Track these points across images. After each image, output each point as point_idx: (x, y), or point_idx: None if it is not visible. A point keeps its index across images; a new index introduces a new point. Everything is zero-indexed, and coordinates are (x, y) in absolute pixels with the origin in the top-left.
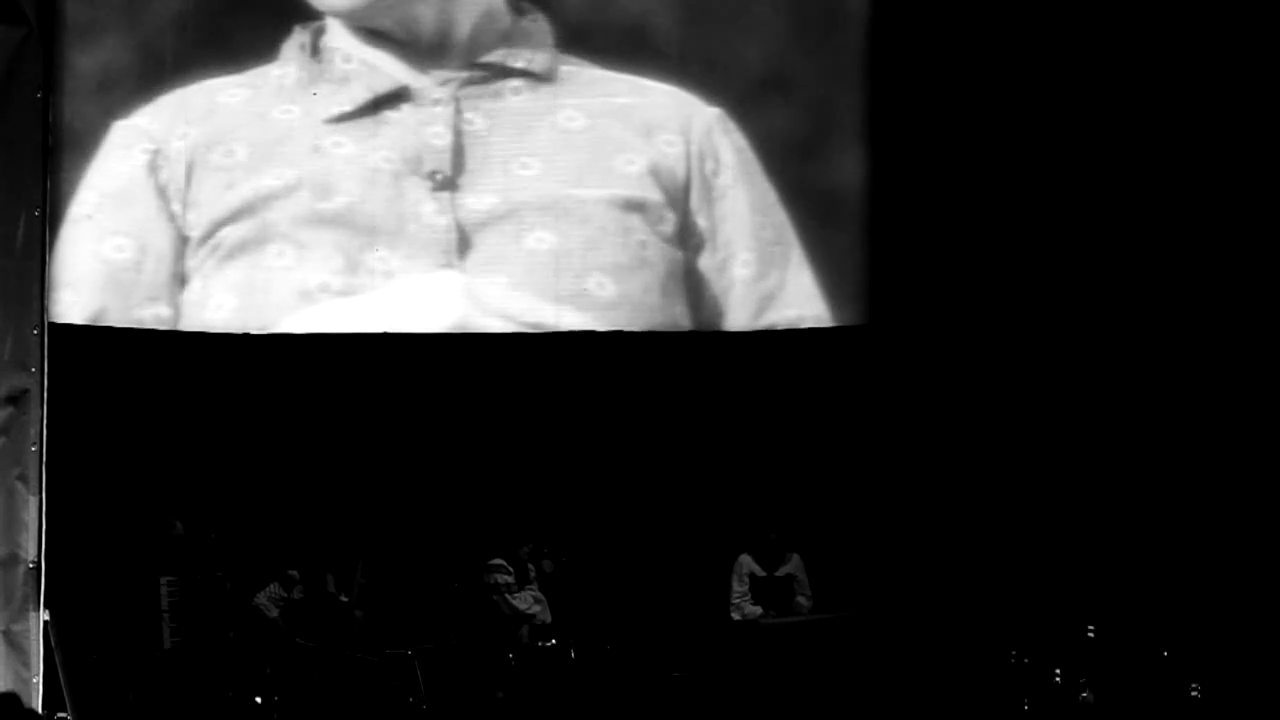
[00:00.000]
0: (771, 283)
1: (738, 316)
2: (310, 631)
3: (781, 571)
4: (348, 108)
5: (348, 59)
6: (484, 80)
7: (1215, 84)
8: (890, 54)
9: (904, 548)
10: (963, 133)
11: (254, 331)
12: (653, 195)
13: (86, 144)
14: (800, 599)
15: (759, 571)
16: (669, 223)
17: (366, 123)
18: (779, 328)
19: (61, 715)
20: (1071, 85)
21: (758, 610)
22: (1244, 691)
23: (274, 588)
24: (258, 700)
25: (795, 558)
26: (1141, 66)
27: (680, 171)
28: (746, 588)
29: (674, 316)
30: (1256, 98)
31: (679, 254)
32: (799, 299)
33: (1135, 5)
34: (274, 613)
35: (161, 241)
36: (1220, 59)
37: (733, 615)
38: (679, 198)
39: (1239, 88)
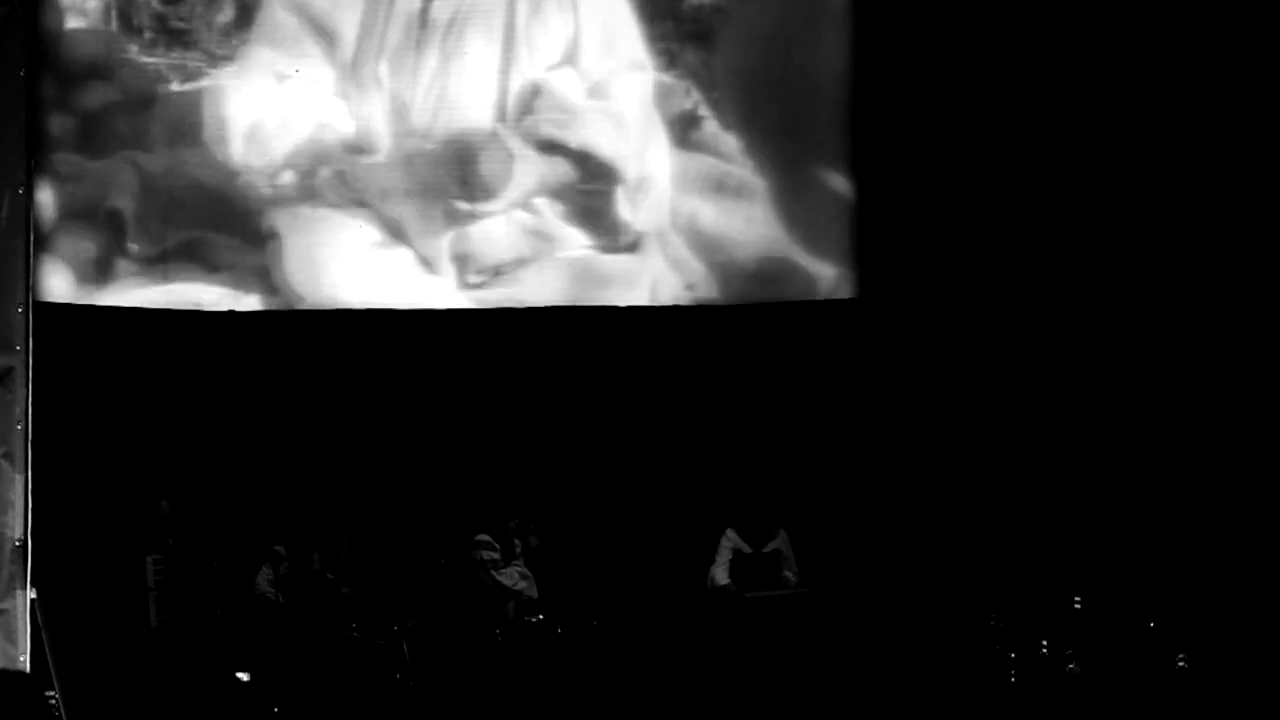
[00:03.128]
0: None
1: None
2: (300, 608)
3: (768, 548)
4: None
5: None
6: None
7: (1200, 59)
8: (876, 27)
9: (891, 522)
10: (949, 105)
11: (237, 309)
12: None
13: None
14: (786, 574)
15: (745, 548)
16: None
17: None
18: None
19: (49, 694)
20: (1060, 59)
21: (726, 579)
22: (1230, 662)
23: (267, 570)
24: (243, 677)
25: (781, 533)
26: (1129, 38)
27: None
28: (726, 560)
29: None
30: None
31: None
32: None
33: None
34: (283, 599)
35: None
36: (1210, 35)
37: (706, 582)
38: None
39: (1228, 62)
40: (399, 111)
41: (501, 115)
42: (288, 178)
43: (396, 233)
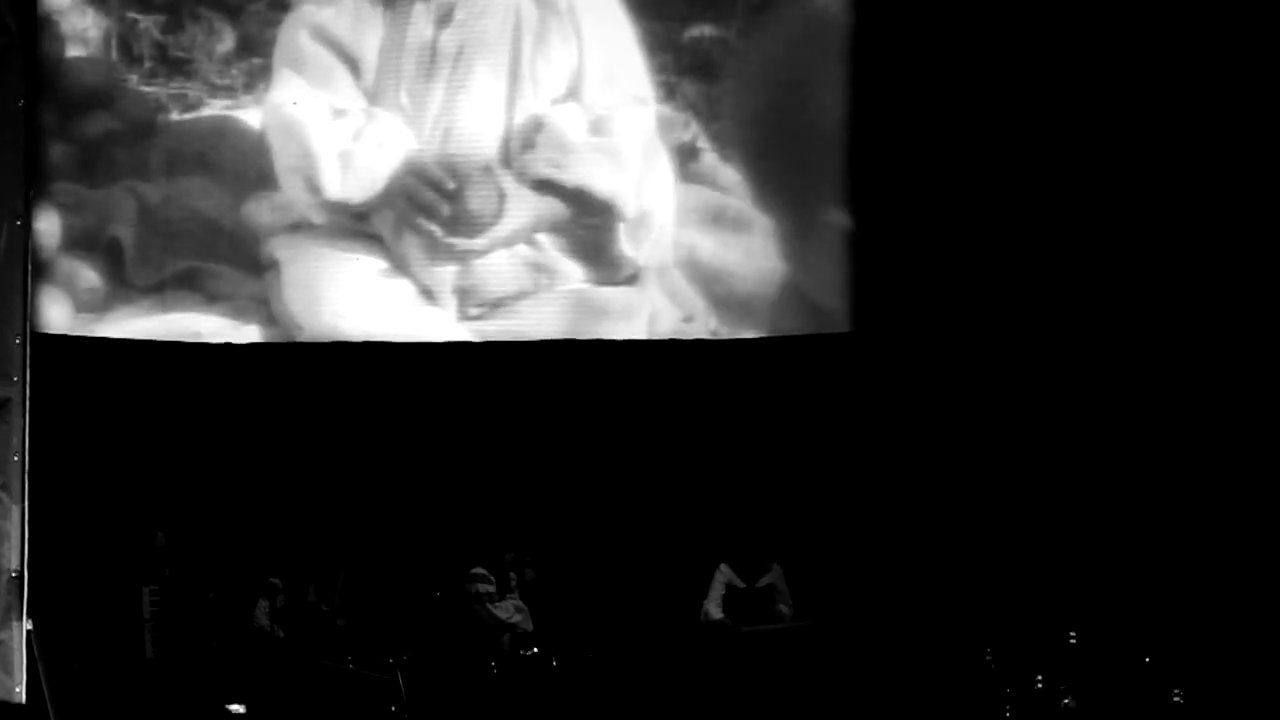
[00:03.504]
0: None
1: None
2: (296, 640)
3: (762, 583)
4: None
5: None
6: None
7: (1193, 89)
8: (877, 65)
9: (886, 555)
10: (948, 142)
11: (236, 340)
12: None
13: None
14: (781, 608)
15: (738, 583)
16: None
17: None
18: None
19: None
20: (1058, 99)
21: (720, 614)
22: (1226, 697)
23: (264, 602)
24: (236, 709)
25: (775, 568)
26: (1122, 75)
27: None
28: (719, 595)
29: None
30: (1245, 100)
31: None
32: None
33: (1115, 11)
34: (281, 632)
35: None
36: (1199, 61)
37: (700, 616)
38: None
39: (1216, 91)
40: (408, 142)
41: (505, 149)
42: (302, 207)
43: (397, 264)
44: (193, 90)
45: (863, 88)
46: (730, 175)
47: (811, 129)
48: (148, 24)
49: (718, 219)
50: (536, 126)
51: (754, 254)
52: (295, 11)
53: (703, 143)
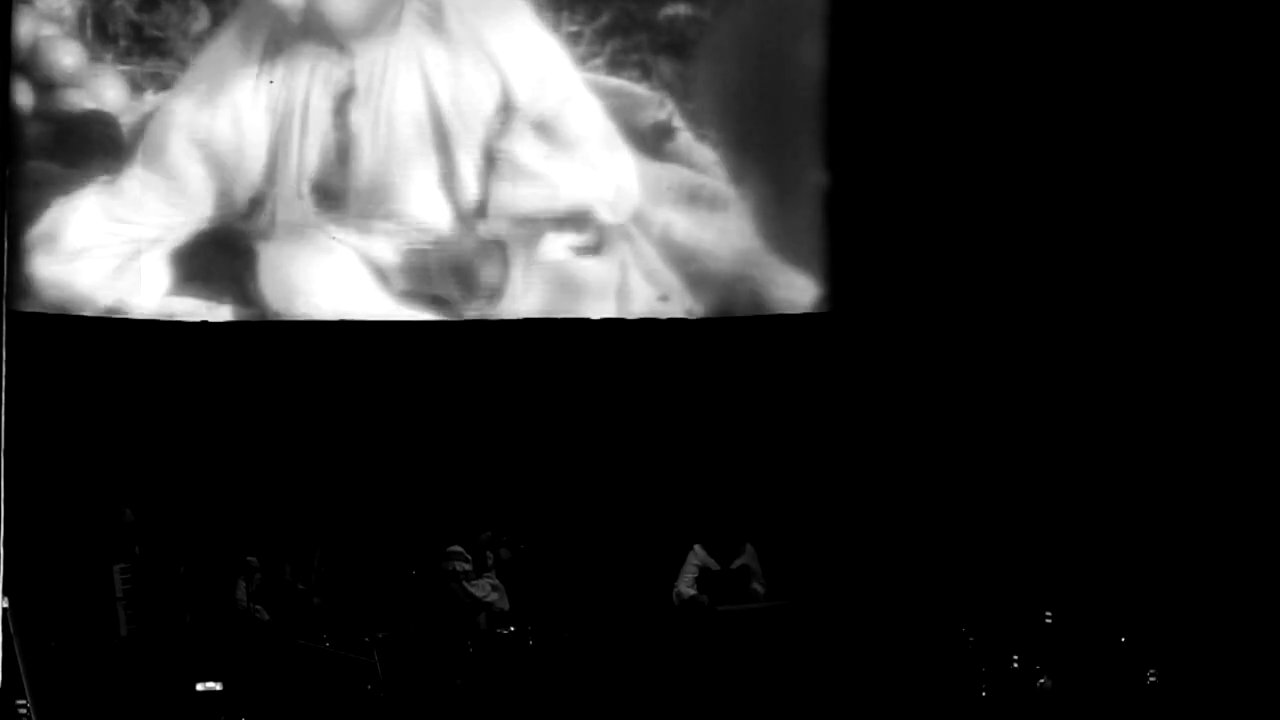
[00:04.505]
0: None
1: None
2: (272, 619)
3: (736, 564)
4: None
5: None
6: None
7: (1175, 51)
8: (852, 41)
9: (862, 535)
10: (926, 121)
11: (211, 319)
12: None
13: None
14: (755, 586)
15: (713, 565)
16: None
17: None
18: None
19: (20, 703)
20: (1041, 71)
21: (693, 591)
22: (1201, 677)
23: (243, 583)
24: (214, 686)
25: (749, 548)
26: (1105, 45)
27: None
28: (692, 576)
29: None
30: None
31: None
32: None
33: None
34: (265, 614)
35: None
36: (1172, 35)
37: (673, 598)
38: None
39: (1205, 50)
40: (357, 206)
41: (454, 191)
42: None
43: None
44: (168, 69)
45: (840, 67)
46: (706, 154)
47: (787, 108)
48: (122, 3)
49: (693, 198)
50: (490, 158)
51: (729, 233)
52: (164, 109)
53: (678, 121)
